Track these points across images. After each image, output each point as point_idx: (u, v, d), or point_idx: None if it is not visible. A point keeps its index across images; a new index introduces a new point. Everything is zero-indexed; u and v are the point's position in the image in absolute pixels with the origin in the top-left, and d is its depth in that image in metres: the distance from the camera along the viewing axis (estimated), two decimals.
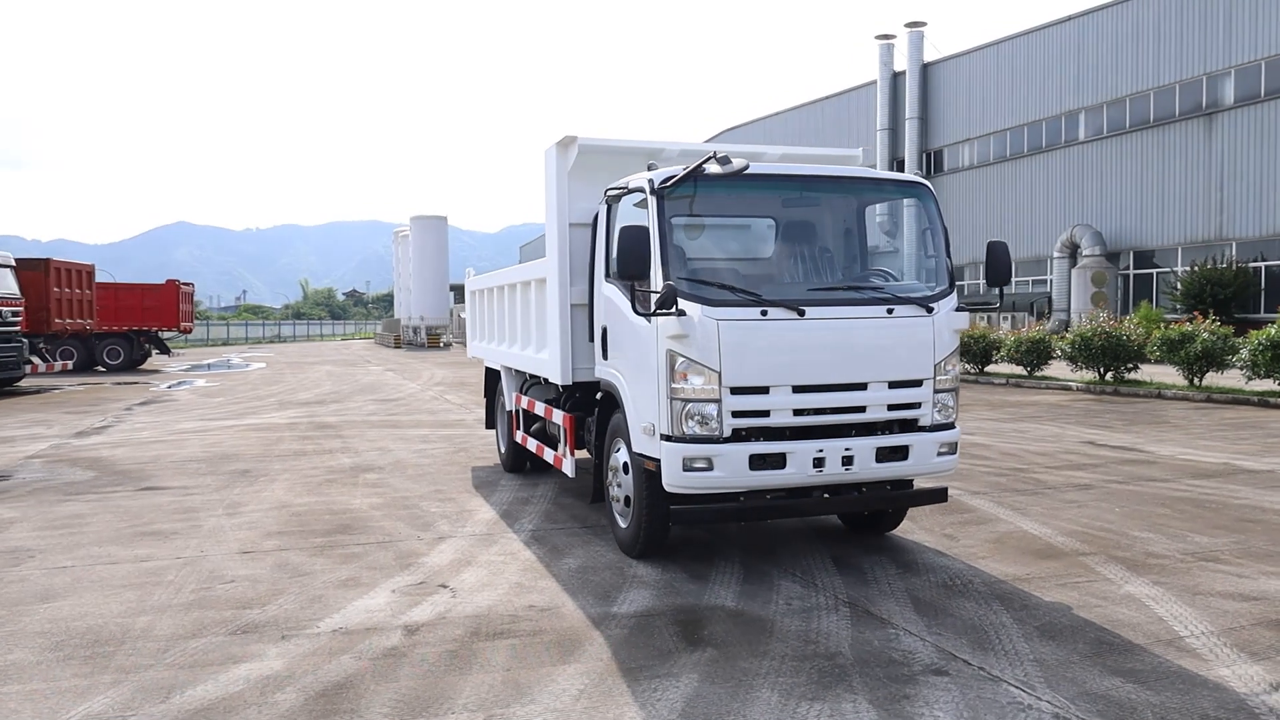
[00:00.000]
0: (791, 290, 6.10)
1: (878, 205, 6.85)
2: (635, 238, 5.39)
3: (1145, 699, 3.95)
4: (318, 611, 5.23)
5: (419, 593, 5.57)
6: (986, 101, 41.52)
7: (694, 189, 5.67)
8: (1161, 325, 19.91)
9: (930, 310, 5.84)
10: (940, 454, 5.89)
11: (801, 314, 5.53)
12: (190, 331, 36.38)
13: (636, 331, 5.86)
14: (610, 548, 6.57)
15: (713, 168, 5.54)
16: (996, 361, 21.86)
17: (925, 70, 44.85)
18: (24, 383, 23.61)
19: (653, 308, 5.42)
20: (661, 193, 5.63)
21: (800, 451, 5.53)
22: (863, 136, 47.64)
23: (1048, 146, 38.82)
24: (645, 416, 5.76)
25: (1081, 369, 19.12)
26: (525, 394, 8.82)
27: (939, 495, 6.26)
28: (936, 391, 5.87)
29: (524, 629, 4.93)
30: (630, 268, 5.39)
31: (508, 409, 9.51)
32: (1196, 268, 30.52)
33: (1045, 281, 38.79)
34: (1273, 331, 15.64)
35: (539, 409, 8.18)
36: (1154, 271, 34.91)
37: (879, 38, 47.03)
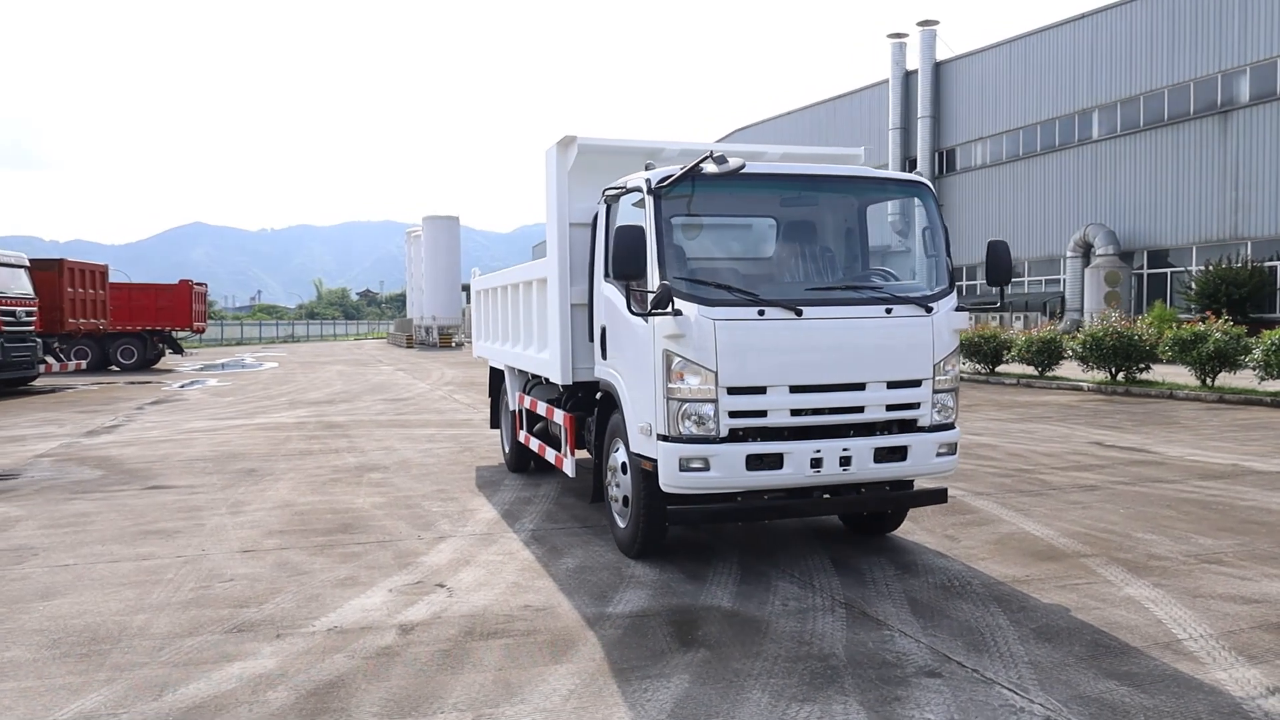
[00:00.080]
0: (790, 290, 6.08)
1: (888, 205, 6.81)
2: (631, 237, 5.38)
3: (1139, 702, 3.92)
4: (314, 610, 5.24)
5: (416, 592, 5.58)
6: (999, 100, 41.32)
7: (691, 188, 5.66)
8: (1174, 325, 19.75)
9: (929, 310, 5.81)
10: (940, 454, 5.86)
11: (799, 314, 5.51)
12: (203, 331, 36.61)
13: (634, 331, 5.85)
14: (609, 548, 6.56)
15: (709, 167, 5.53)
16: (1007, 361, 21.75)
17: (938, 69, 44.68)
18: (38, 382, 23.80)
19: (649, 307, 5.41)
20: (659, 192, 5.62)
21: (797, 452, 5.51)
22: (875, 136, 47.50)
23: (1061, 145, 38.61)
24: (643, 416, 5.76)
25: (1093, 369, 18.98)
26: (528, 394, 8.83)
27: (939, 496, 6.22)
28: (936, 392, 5.83)
29: (518, 629, 4.93)
30: (626, 267, 5.38)
31: (511, 409, 9.52)
32: (1211, 267, 30.30)
33: (1058, 281, 38.57)
34: None
35: (541, 409, 8.18)
36: (1168, 271, 34.67)
37: (891, 36, 46.89)
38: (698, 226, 6.07)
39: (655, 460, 5.57)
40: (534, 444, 8.61)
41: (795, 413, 5.56)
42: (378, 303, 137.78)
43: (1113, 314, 19.94)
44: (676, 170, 5.65)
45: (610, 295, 6.27)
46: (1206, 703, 3.91)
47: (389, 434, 13.22)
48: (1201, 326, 17.36)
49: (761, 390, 5.49)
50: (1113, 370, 18.67)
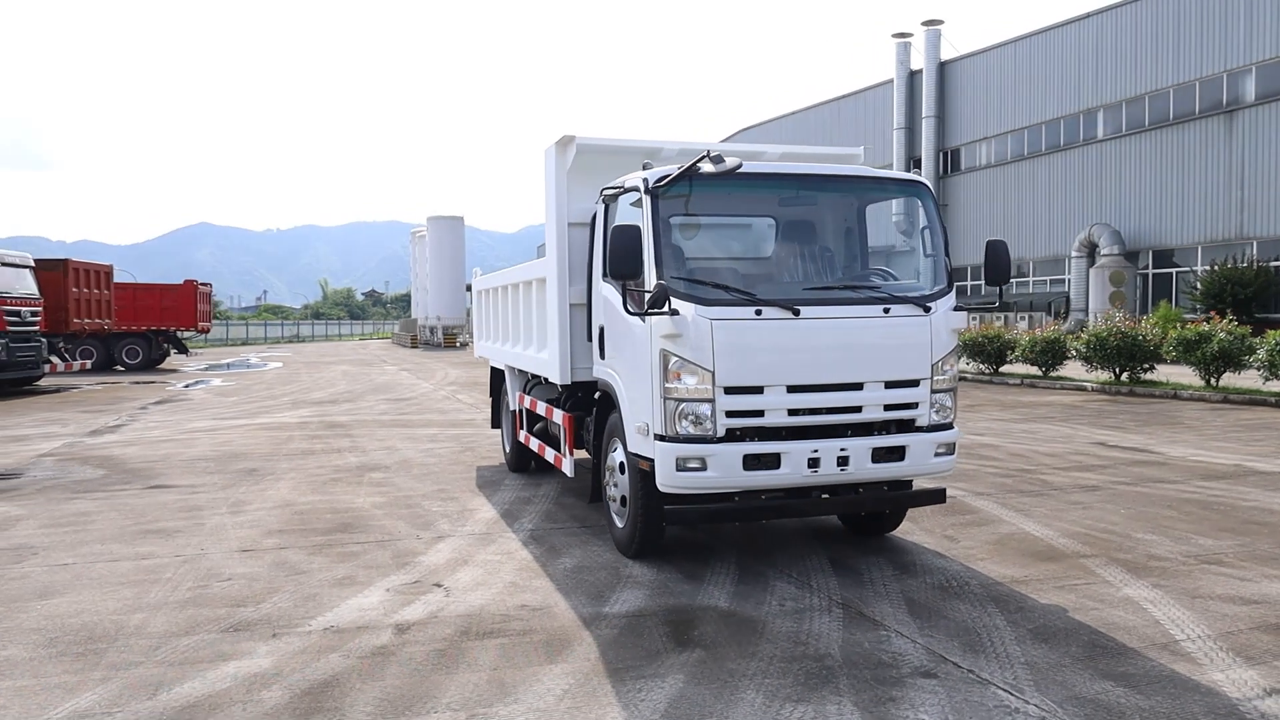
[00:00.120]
0: (787, 289, 6.06)
1: (888, 204, 6.80)
2: (627, 237, 5.37)
3: (1134, 703, 3.90)
4: (311, 610, 5.25)
5: (413, 592, 5.58)
6: (1004, 100, 41.23)
7: (689, 188, 5.65)
8: (1179, 325, 19.69)
9: (927, 310, 5.79)
10: (938, 454, 5.85)
11: (796, 313, 5.49)
12: (208, 331, 36.67)
13: (631, 331, 5.85)
14: (608, 548, 6.55)
15: (706, 166, 5.52)
16: (1011, 362, 21.70)
17: (942, 69, 44.60)
18: (44, 382, 23.88)
19: (645, 307, 5.41)
20: (656, 192, 5.61)
21: (795, 452, 5.50)
22: (880, 135, 47.44)
23: (1066, 145, 38.51)
24: (640, 416, 5.75)
25: (1097, 369, 18.94)
26: (528, 394, 8.83)
27: (937, 496, 6.21)
28: (934, 391, 5.82)
29: (514, 628, 4.93)
30: (622, 267, 5.38)
31: (511, 409, 9.53)
32: (1217, 267, 30.20)
33: (1063, 281, 38.48)
34: None
35: (541, 409, 8.18)
36: (1173, 271, 34.56)
37: (896, 36, 46.82)
38: (695, 226, 6.05)
39: (652, 460, 5.56)
40: (534, 444, 8.61)
41: (792, 412, 5.55)
42: (383, 303, 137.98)
43: (1117, 314, 19.89)
44: (674, 170, 5.64)
45: (609, 295, 6.26)
46: (1203, 704, 3.89)
47: (391, 434, 13.23)
48: (1206, 326, 17.30)
49: (758, 390, 5.48)
50: (1117, 370, 18.62)
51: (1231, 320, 17.79)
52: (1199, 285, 30.36)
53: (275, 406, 17.72)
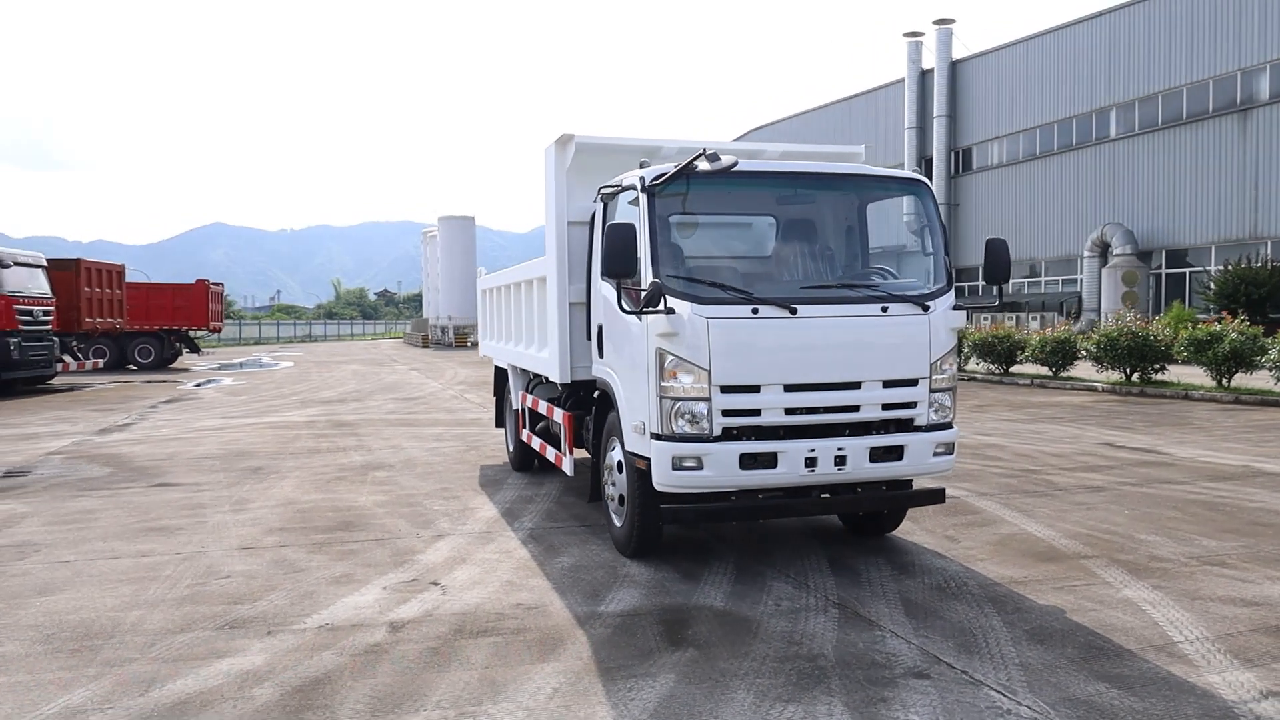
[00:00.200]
0: (785, 288, 6.04)
1: (888, 203, 6.75)
2: (621, 236, 5.36)
3: (1128, 705, 3.87)
4: (307, 608, 5.26)
5: (409, 590, 5.58)
6: (1016, 99, 41.05)
7: (686, 186, 5.64)
8: (1190, 325, 19.55)
9: (926, 308, 5.76)
10: (937, 454, 5.81)
11: (793, 312, 5.47)
12: (220, 331, 36.87)
13: (628, 330, 5.84)
14: (606, 547, 6.55)
15: (702, 165, 5.50)
16: (1021, 362, 21.58)
17: (954, 68, 44.44)
18: (56, 381, 24.05)
19: (641, 306, 5.40)
20: (653, 190, 5.60)
21: (792, 451, 5.48)
22: (891, 135, 47.31)
23: (1078, 144, 38.32)
24: (637, 415, 5.74)
25: (1107, 369, 18.81)
26: (531, 393, 8.83)
27: (936, 496, 6.18)
28: (932, 391, 5.79)
29: (508, 627, 4.92)
30: (616, 266, 5.37)
31: (514, 408, 9.53)
32: (1230, 267, 29.94)
33: (1075, 281, 38.28)
34: None
35: (542, 407, 8.18)
36: (1187, 271, 34.34)
37: (907, 35, 46.68)
38: (693, 225, 6.04)
39: (649, 459, 5.55)
40: (536, 443, 8.61)
41: (789, 411, 5.53)
42: (395, 303, 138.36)
43: (1127, 314, 19.75)
44: (670, 168, 5.63)
45: (607, 294, 6.25)
46: (1197, 706, 3.86)
47: (397, 433, 13.26)
48: (1217, 327, 17.17)
49: (755, 389, 5.46)
50: (1127, 371, 18.49)
51: (1243, 320, 17.64)
52: (1212, 285, 30.11)
53: (284, 405, 17.79)
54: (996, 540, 6.64)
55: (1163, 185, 34.85)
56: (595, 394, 6.79)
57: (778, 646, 4.59)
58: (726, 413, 5.44)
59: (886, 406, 5.72)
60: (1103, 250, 36.17)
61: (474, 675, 4.26)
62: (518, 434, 9.47)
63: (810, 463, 5.50)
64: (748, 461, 5.43)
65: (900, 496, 6.22)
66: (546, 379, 7.97)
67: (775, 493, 5.80)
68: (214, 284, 34.45)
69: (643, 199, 5.61)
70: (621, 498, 6.21)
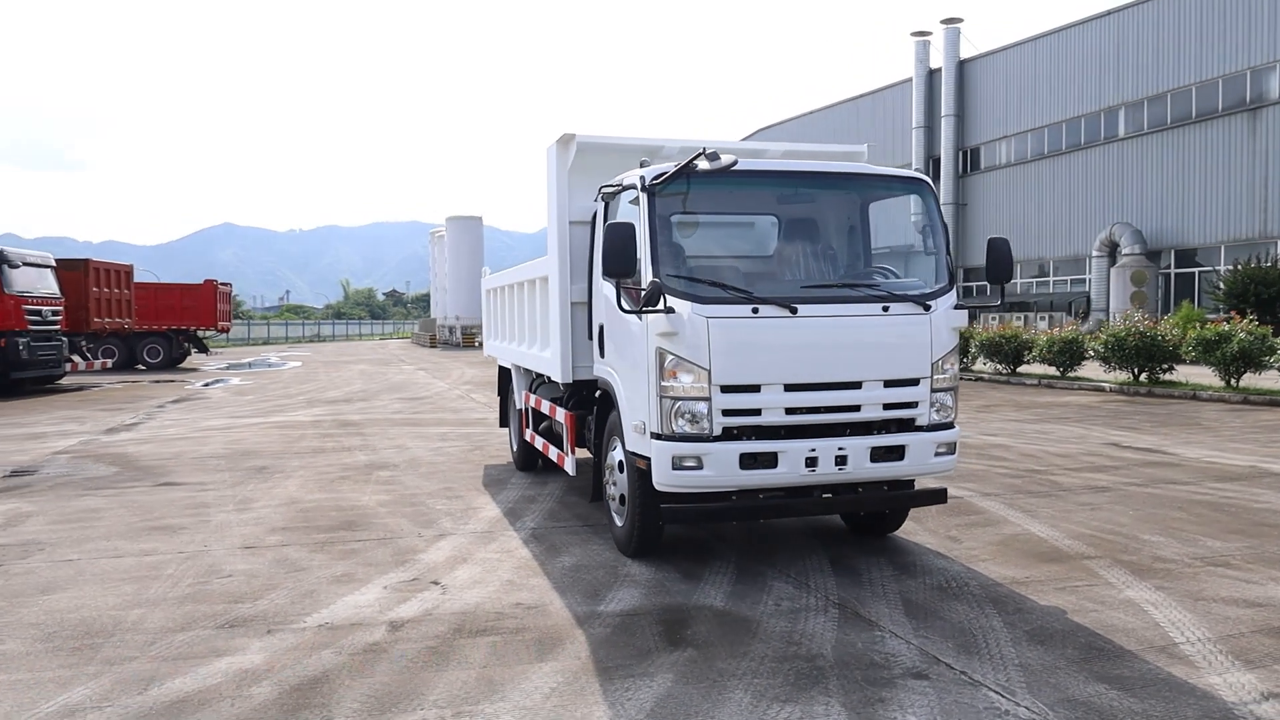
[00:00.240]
0: (786, 288, 6.02)
1: (891, 202, 6.72)
2: (620, 235, 5.36)
3: (1127, 706, 3.85)
4: (307, 607, 5.27)
5: (410, 589, 5.59)
6: (1024, 98, 40.93)
7: (686, 186, 5.64)
8: (1198, 325, 19.45)
9: (927, 308, 5.74)
10: (938, 454, 5.79)
11: (794, 311, 5.46)
12: (228, 331, 36.97)
13: (629, 329, 5.83)
14: (608, 546, 6.54)
15: (702, 164, 5.50)
16: (1029, 362, 21.50)
17: (961, 67, 44.33)
18: (65, 380, 24.16)
19: (640, 305, 5.39)
20: (653, 190, 5.60)
21: (792, 451, 5.47)
22: (899, 134, 47.23)
23: (1087, 143, 38.18)
24: (637, 414, 5.74)
25: (1115, 370, 18.75)
26: (534, 392, 8.83)
27: (938, 496, 6.16)
28: (934, 391, 5.77)
29: (508, 626, 4.92)
30: (615, 265, 5.37)
31: (518, 407, 9.54)
32: (1240, 266, 29.77)
33: (1084, 281, 38.14)
34: None
35: (545, 407, 8.19)
36: (1196, 271, 34.18)
37: (915, 35, 46.58)
38: (693, 224, 6.03)
39: (649, 458, 5.54)
40: (539, 442, 8.61)
41: (790, 411, 5.52)
42: (404, 303, 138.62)
43: (1135, 313, 19.67)
44: (671, 167, 5.63)
45: (608, 293, 6.25)
46: (1197, 708, 3.83)
47: (402, 432, 13.28)
48: (1225, 326, 17.08)
49: (755, 389, 5.45)
50: (1135, 371, 18.42)
51: (1252, 320, 17.55)
52: (1222, 285, 29.96)
53: (290, 405, 17.83)
54: (999, 541, 6.62)
55: (1172, 185, 34.69)
56: (597, 394, 6.79)
57: (776, 646, 4.58)
58: (726, 412, 5.43)
59: (887, 406, 5.70)
60: (1111, 250, 36.03)
61: (472, 674, 4.26)
62: (521, 434, 9.48)
63: (811, 463, 5.49)
64: (748, 461, 5.42)
65: (902, 497, 6.21)
66: (549, 379, 7.97)
67: (776, 493, 5.79)
68: (222, 284, 34.57)
69: (643, 198, 5.61)
70: (622, 497, 6.21)
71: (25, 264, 21.16)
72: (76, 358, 24.75)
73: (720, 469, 5.40)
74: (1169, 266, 35.14)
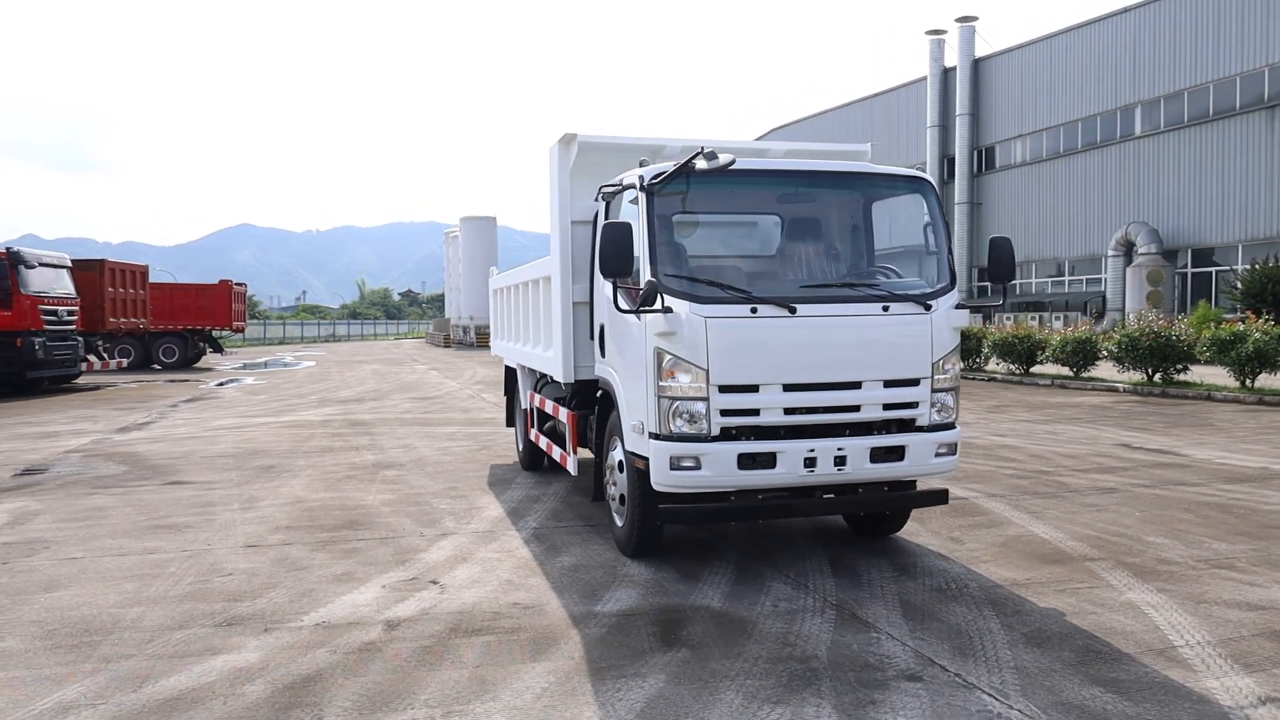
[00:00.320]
0: (785, 287, 5.99)
1: (894, 201, 6.68)
2: (616, 235, 5.35)
3: (1121, 710, 3.81)
4: (305, 605, 5.29)
5: (408, 589, 5.60)
6: (1039, 97, 40.67)
7: (686, 185, 5.63)
8: (1213, 325, 19.27)
9: (928, 308, 5.71)
10: (939, 454, 5.76)
11: (792, 311, 5.44)
12: (243, 330, 37.19)
13: (628, 329, 5.83)
14: (608, 546, 6.54)
15: (700, 163, 5.49)
16: (1042, 362, 21.36)
17: (976, 66, 44.09)
18: (81, 380, 24.37)
19: (638, 305, 5.39)
20: (651, 189, 5.59)
21: (790, 451, 5.44)
22: (913, 133, 47.03)
23: (1103, 142, 37.91)
24: (636, 414, 5.73)
25: (1129, 370, 18.60)
26: (539, 392, 8.84)
27: (939, 497, 6.12)
28: (935, 391, 5.73)
29: (503, 626, 4.93)
30: (611, 265, 5.36)
31: (523, 407, 9.55)
32: (1258, 265, 29.49)
33: (1100, 280, 37.86)
34: None
35: (549, 407, 8.19)
36: (1213, 270, 33.88)
37: (929, 33, 46.38)
38: (693, 224, 6.02)
39: (648, 458, 5.54)
40: (543, 442, 8.62)
41: (789, 411, 5.49)
42: (419, 303, 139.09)
43: (1149, 313, 19.51)
44: (669, 167, 5.62)
45: (608, 293, 6.24)
46: (1192, 712, 3.79)
47: (411, 432, 13.33)
48: (1240, 326, 16.92)
49: (754, 389, 5.43)
50: (1149, 371, 18.27)
51: (1268, 320, 17.37)
52: (1239, 284, 29.68)
53: (302, 404, 17.92)
54: (1002, 542, 6.57)
55: (1188, 183, 34.40)
56: (598, 394, 6.78)
57: (771, 648, 4.56)
58: (725, 412, 5.41)
59: (887, 406, 5.67)
60: (1127, 249, 35.76)
61: (464, 674, 4.26)
62: (527, 433, 9.49)
63: (810, 463, 5.46)
64: (746, 461, 5.41)
65: (903, 497, 6.17)
66: (552, 379, 7.98)
67: (776, 493, 5.76)
68: (237, 284, 34.78)
69: (642, 198, 5.60)
70: (622, 497, 6.21)
71: (41, 264, 21.35)
72: (92, 357, 24.96)
73: (718, 469, 5.38)
74: (1186, 266, 34.84)
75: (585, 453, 7.37)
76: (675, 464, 5.39)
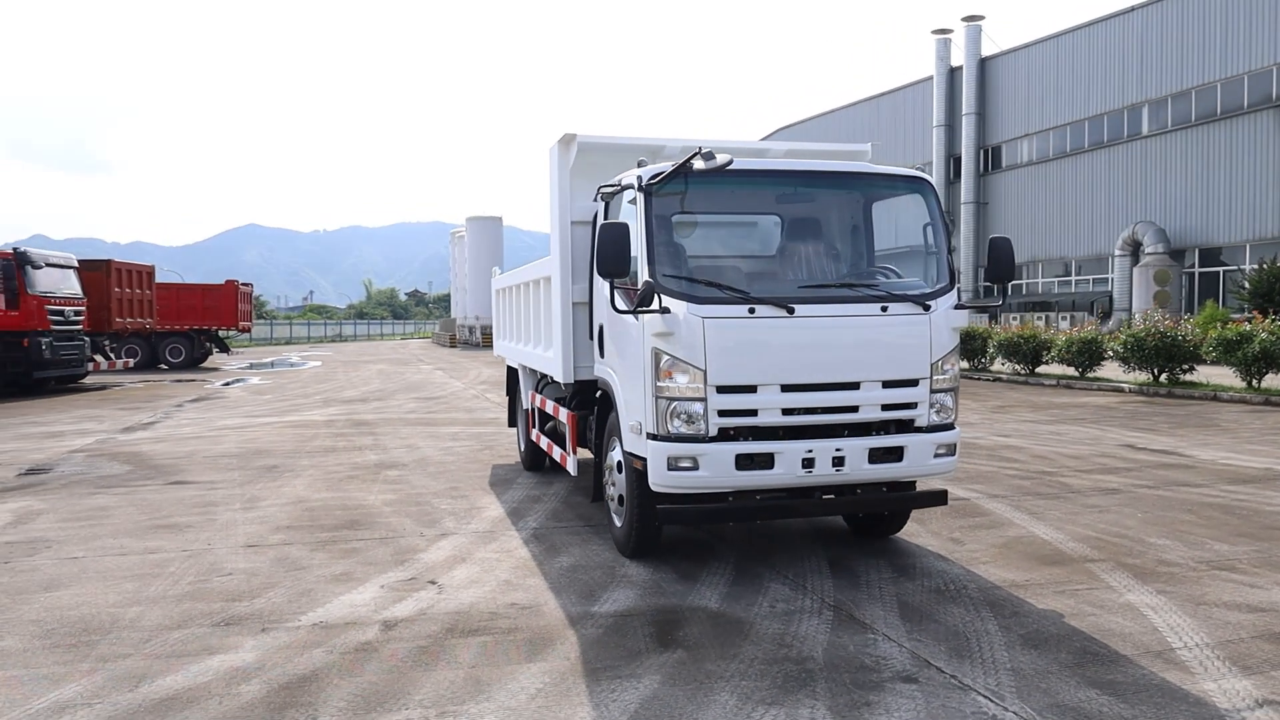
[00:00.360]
0: (783, 287, 5.99)
1: (895, 201, 6.66)
2: (613, 235, 5.35)
3: (1117, 712, 3.80)
4: (303, 605, 5.30)
5: (406, 589, 5.61)
6: (1046, 96, 40.55)
7: (684, 185, 5.62)
8: (1220, 325, 19.20)
9: (927, 308, 5.69)
10: (938, 455, 5.74)
11: (790, 311, 5.43)
12: (249, 330, 37.31)
13: (626, 330, 5.83)
14: (607, 547, 6.54)
15: (697, 163, 5.48)
16: (1048, 362, 21.30)
17: (983, 65, 43.98)
18: (88, 380, 24.45)
19: (635, 305, 5.38)
20: (649, 189, 5.59)
21: (789, 451, 5.43)
22: (919, 133, 46.94)
23: (1109, 141, 37.78)
24: (634, 415, 5.73)
25: (1135, 370, 18.54)
26: (540, 392, 8.85)
27: (939, 497, 6.10)
28: (934, 391, 5.71)
29: (500, 626, 4.93)
30: (608, 265, 5.35)
31: (525, 407, 9.55)
32: (1266, 265, 29.36)
33: (1107, 280, 37.74)
34: None
35: (549, 407, 8.20)
36: (1221, 270, 33.74)
37: (936, 33, 46.27)
38: (691, 224, 6.01)
39: (645, 459, 5.53)
40: (544, 442, 8.62)
41: (787, 412, 5.49)
42: (425, 303, 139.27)
43: (1155, 313, 19.44)
44: (668, 167, 5.61)
45: (607, 293, 6.24)
46: (1189, 714, 3.77)
47: (414, 432, 13.34)
48: (1247, 326, 16.85)
49: (752, 389, 5.42)
50: (1155, 371, 18.21)
51: (1275, 320, 17.30)
52: (1247, 284, 29.56)
53: (306, 404, 17.96)
54: (1002, 543, 6.56)
55: (1196, 183, 34.27)
56: (597, 394, 6.78)
57: (767, 649, 4.56)
58: (722, 413, 5.41)
59: (886, 407, 5.66)
60: (1134, 249, 35.64)
61: (460, 674, 4.27)
62: (528, 433, 9.49)
63: (808, 464, 5.45)
64: (744, 462, 5.40)
65: (901, 498, 6.16)
66: (553, 379, 7.98)
67: (775, 494, 5.75)
68: (243, 284, 34.88)
69: (640, 198, 5.60)
70: (621, 498, 6.20)
71: (48, 265, 21.43)
72: (99, 357, 25.05)
73: (716, 470, 5.37)
74: (1193, 266, 34.71)
75: (585, 453, 7.38)
76: (673, 464, 5.38)
